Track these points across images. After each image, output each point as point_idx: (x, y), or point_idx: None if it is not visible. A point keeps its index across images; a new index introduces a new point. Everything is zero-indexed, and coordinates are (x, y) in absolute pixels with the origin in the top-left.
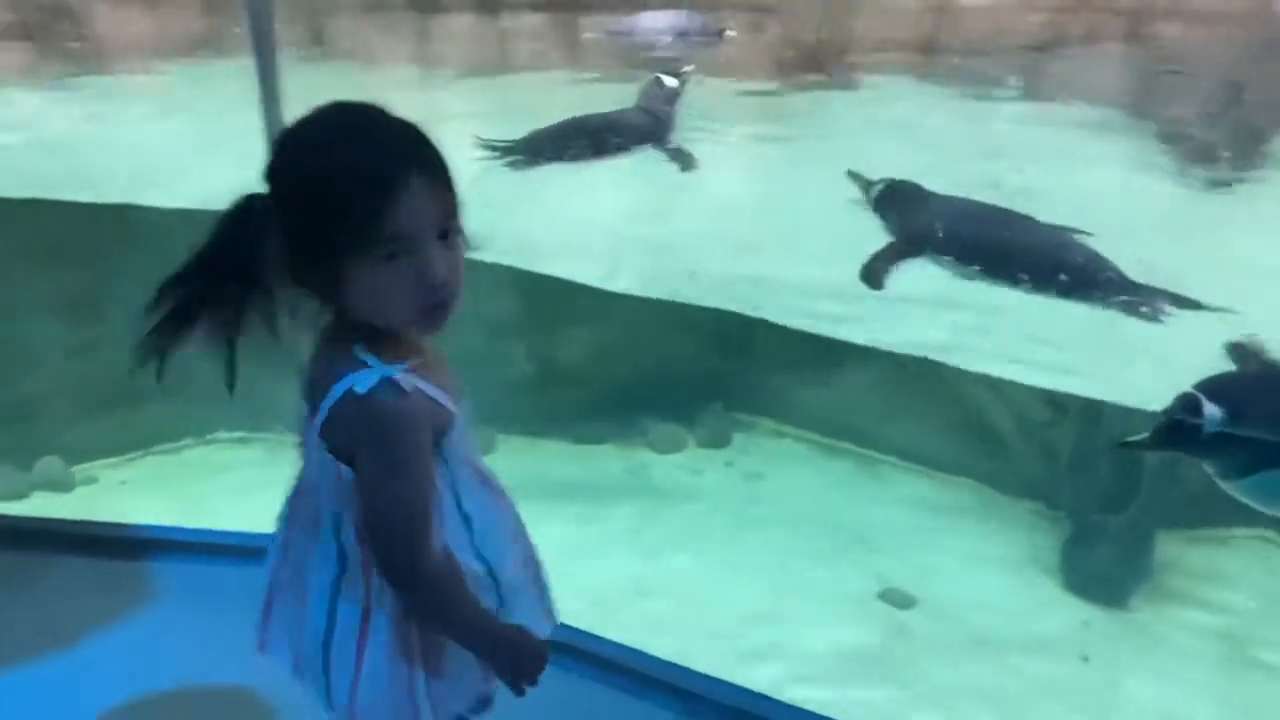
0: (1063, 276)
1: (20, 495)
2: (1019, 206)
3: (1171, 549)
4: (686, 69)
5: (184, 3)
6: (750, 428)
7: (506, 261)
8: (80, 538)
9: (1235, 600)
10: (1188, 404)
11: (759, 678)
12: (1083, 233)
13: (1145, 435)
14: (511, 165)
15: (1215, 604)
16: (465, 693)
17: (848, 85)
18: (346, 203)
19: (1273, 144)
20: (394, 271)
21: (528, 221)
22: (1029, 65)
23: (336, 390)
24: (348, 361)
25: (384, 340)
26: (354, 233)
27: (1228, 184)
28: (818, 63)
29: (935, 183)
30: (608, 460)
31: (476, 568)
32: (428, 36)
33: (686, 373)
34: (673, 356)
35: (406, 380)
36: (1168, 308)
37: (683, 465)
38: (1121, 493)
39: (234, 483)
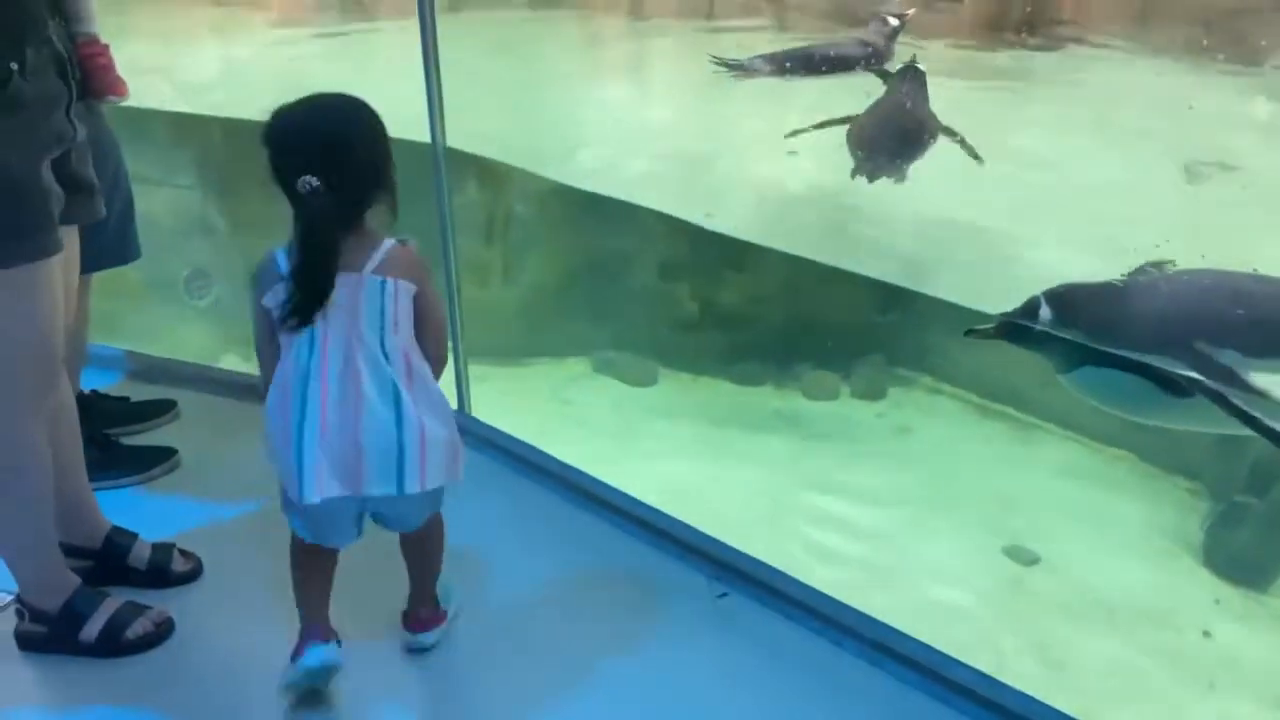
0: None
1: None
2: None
3: None
4: (909, 11)
5: None
6: (908, 383)
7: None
8: None
9: None
10: (1030, 306)
11: (858, 603)
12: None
13: (990, 326)
14: (735, 76)
15: None
16: None
17: (1050, 48)
18: (386, 137)
19: None
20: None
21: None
22: (1245, 33)
23: (385, 245)
24: (380, 238)
25: None
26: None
27: None
28: (1025, 25)
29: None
30: (761, 400)
31: None
32: None
33: (847, 324)
34: (833, 307)
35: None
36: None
37: (834, 412)
38: (1268, 474)
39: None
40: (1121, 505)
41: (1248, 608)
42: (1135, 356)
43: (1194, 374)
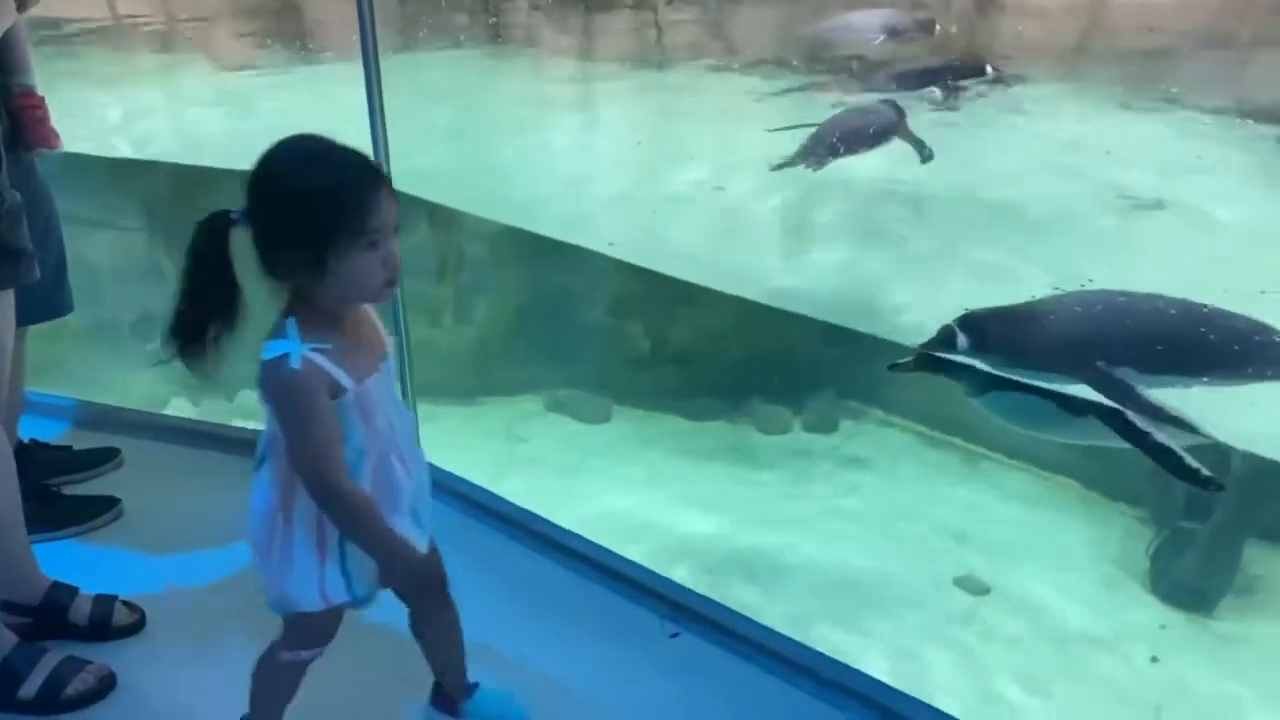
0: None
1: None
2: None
3: (1269, 562)
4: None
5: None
6: (859, 416)
7: None
8: (231, 439)
9: None
10: (946, 335)
11: (814, 639)
12: None
13: (910, 359)
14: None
15: None
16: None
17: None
18: (340, 205)
19: None
20: (371, 257)
21: None
22: (1174, 69)
23: (264, 352)
24: (277, 332)
25: (314, 319)
26: (345, 228)
27: None
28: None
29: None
30: (715, 435)
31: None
32: (593, 31)
33: (797, 359)
34: (784, 342)
35: (303, 357)
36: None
37: (786, 446)
38: (1208, 499)
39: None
40: (1069, 533)
41: (1193, 633)
42: (1041, 378)
43: (1092, 393)
